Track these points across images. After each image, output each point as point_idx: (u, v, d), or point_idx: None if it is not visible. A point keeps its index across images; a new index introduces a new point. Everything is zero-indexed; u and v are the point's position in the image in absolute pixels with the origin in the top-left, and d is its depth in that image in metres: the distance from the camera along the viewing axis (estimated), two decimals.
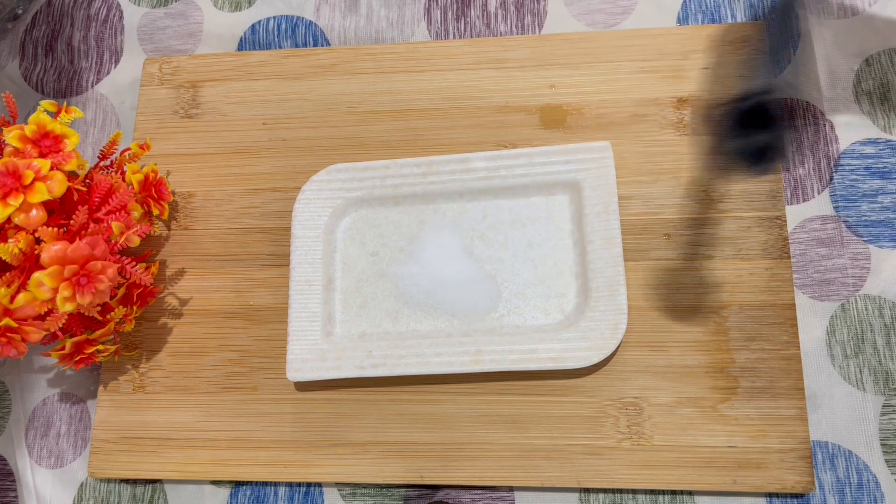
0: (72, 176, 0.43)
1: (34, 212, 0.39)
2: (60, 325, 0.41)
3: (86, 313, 0.41)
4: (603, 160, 0.44)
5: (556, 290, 0.44)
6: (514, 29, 0.52)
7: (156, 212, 0.47)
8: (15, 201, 0.39)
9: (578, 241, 0.44)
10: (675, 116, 0.47)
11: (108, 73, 0.56)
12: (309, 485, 0.45)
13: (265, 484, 0.46)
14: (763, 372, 0.42)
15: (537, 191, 0.46)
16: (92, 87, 0.56)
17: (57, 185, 0.40)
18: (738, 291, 0.43)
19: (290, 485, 0.45)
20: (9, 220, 0.39)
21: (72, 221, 0.41)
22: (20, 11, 0.58)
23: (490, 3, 0.53)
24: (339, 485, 0.45)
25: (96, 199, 0.43)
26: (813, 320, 0.43)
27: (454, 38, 0.53)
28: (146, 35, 0.56)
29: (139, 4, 0.57)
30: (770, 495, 0.41)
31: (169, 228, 0.50)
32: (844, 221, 0.45)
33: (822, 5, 0.33)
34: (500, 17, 0.53)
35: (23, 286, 0.39)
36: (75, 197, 0.43)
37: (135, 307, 0.45)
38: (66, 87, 0.56)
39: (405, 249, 0.47)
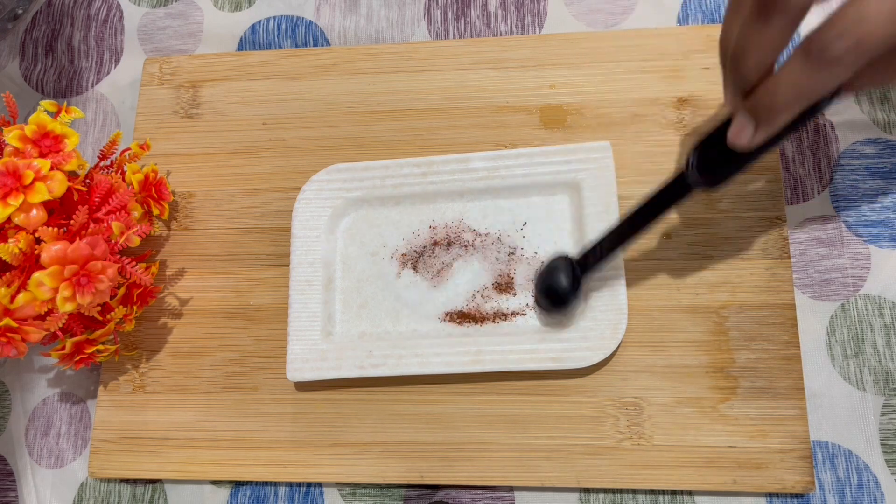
0: (72, 176, 0.43)
1: (34, 212, 0.39)
2: (60, 325, 0.41)
3: (86, 313, 0.41)
4: (603, 160, 0.44)
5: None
6: (514, 29, 0.52)
7: (156, 212, 0.47)
8: (15, 201, 0.39)
9: (578, 241, 0.44)
10: (675, 116, 0.47)
11: (108, 73, 0.56)
12: (309, 485, 0.45)
13: (265, 484, 0.46)
14: (763, 372, 0.42)
15: (537, 191, 0.46)
16: (92, 87, 0.56)
17: (57, 185, 0.40)
18: (738, 291, 0.43)
19: (290, 485, 0.45)
20: (9, 220, 0.39)
21: (72, 221, 0.41)
22: (20, 11, 0.58)
23: (490, 3, 0.53)
24: (339, 485, 0.45)
25: (96, 199, 0.43)
26: (813, 320, 0.43)
27: (454, 38, 0.53)
28: (146, 35, 0.56)
29: (139, 4, 0.57)
30: (770, 495, 0.41)
31: (169, 228, 0.50)
32: (844, 221, 0.45)
33: None
34: (500, 17, 0.53)
35: (23, 286, 0.39)
36: (75, 197, 0.43)
37: (135, 307, 0.45)
38: (66, 87, 0.56)
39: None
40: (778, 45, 0.30)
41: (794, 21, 0.29)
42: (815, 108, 0.32)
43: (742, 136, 0.33)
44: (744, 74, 0.31)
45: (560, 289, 0.41)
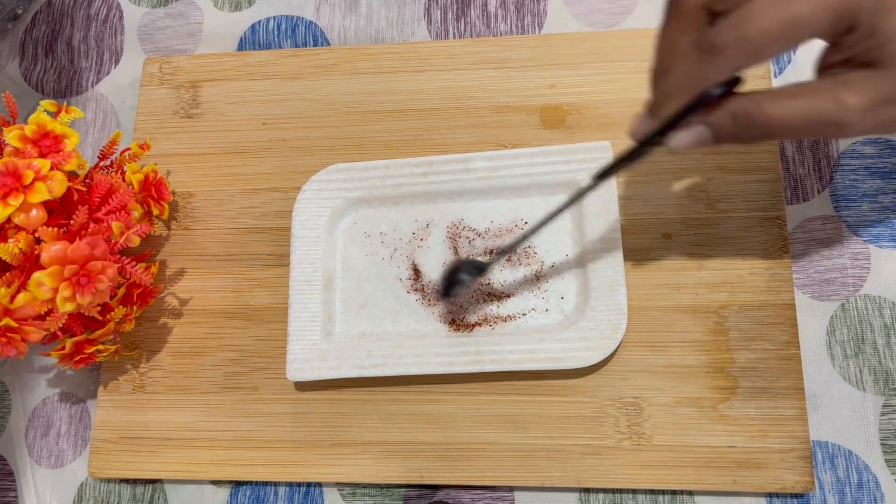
0: (72, 176, 0.43)
1: (34, 212, 0.39)
2: (60, 325, 0.41)
3: (86, 313, 0.41)
4: (603, 160, 0.44)
5: (556, 290, 0.44)
6: (514, 29, 0.52)
7: (156, 212, 0.47)
8: (15, 201, 0.39)
9: (578, 241, 0.44)
10: None
11: (108, 73, 0.56)
12: (309, 485, 0.45)
13: (265, 484, 0.46)
14: (763, 372, 0.42)
15: (537, 191, 0.46)
16: (92, 87, 0.56)
17: (57, 185, 0.40)
18: (738, 291, 0.43)
19: (290, 485, 0.45)
20: (9, 220, 0.39)
21: (72, 221, 0.41)
22: (20, 11, 0.58)
23: (490, 3, 0.53)
24: (339, 485, 0.45)
25: (96, 199, 0.43)
26: (813, 320, 0.43)
27: (454, 38, 0.53)
28: (146, 35, 0.56)
29: (139, 4, 0.57)
30: (770, 495, 0.41)
31: (169, 228, 0.50)
32: (844, 221, 0.45)
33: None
34: (500, 17, 0.53)
35: (23, 286, 0.39)
36: (75, 197, 0.43)
37: (135, 307, 0.45)
38: (66, 87, 0.56)
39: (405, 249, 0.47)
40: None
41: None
42: (703, 99, 0.32)
43: (637, 129, 0.35)
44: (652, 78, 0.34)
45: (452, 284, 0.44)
